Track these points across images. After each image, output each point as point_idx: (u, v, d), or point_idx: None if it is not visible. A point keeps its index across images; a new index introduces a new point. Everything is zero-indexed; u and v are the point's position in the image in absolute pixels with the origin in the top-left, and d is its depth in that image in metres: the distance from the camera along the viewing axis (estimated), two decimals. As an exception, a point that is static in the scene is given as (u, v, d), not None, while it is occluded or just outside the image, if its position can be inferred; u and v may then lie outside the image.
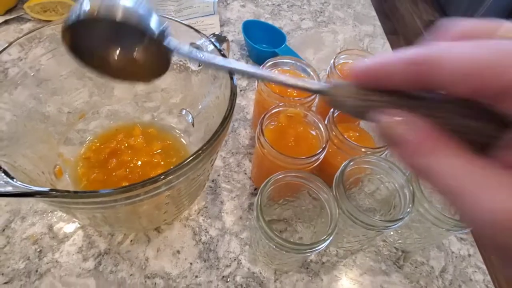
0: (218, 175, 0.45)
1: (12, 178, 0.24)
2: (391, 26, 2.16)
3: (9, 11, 0.61)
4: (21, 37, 0.33)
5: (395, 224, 0.32)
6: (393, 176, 0.36)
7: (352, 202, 0.32)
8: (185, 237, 0.40)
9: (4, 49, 0.32)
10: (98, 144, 0.43)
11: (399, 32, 2.16)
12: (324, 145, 0.36)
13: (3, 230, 0.38)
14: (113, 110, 0.45)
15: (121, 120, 0.45)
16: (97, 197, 0.26)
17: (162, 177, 0.26)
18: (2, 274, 0.35)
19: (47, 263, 0.37)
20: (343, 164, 0.35)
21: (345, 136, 0.38)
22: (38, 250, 0.37)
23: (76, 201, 0.26)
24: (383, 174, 0.37)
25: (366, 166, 0.37)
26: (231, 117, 0.30)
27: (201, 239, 0.40)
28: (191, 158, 0.27)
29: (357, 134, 0.43)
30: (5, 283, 0.35)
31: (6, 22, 0.60)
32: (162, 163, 0.42)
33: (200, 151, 0.27)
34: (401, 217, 0.32)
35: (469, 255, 0.42)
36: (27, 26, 0.61)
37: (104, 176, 0.40)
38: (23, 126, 0.34)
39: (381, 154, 0.38)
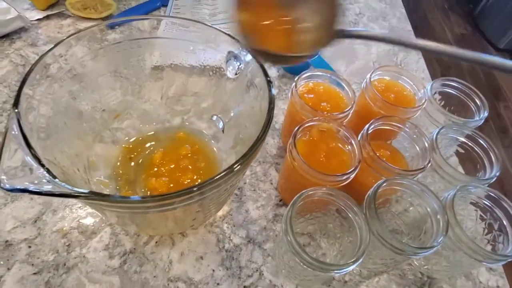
0: (244, 183, 0.45)
1: (54, 177, 0.25)
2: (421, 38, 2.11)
3: (50, 6, 0.64)
4: (66, 38, 0.34)
5: (426, 251, 0.31)
6: (425, 200, 0.35)
7: (382, 224, 0.32)
8: (209, 243, 0.40)
9: (50, 49, 0.33)
10: (130, 146, 0.43)
11: (428, 44, 2.11)
12: (356, 164, 0.36)
13: (35, 221, 0.39)
14: (145, 111, 0.46)
15: (153, 122, 0.46)
16: (133, 203, 0.26)
17: (196, 188, 0.26)
18: (32, 264, 0.37)
19: (75, 258, 0.37)
20: (376, 184, 0.34)
21: (378, 155, 0.37)
22: (67, 244, 0.38)
23: (113, 205, 0.26)
24: (414, 197, 0.36)
25: (398, 188, 0.36)
26: (268, 130, 0.30)
27: (224, 246, 0.40)
28: (227, 170, 0.27)
29: (389, 153, 0.42)
30: (35, 273, 0.36)
31: (47, 17, 0.62)
32: (190, 167, 0.42)
33: (237, 164, 0.27)
34: (433, 245, 0.31)
35: (498, 287, 0.41)
36: (67, 22, 0.62)
37: (134, 176, 0.40)
38: (63, 123, 0.35)
39: (414, 177, 0.37)
